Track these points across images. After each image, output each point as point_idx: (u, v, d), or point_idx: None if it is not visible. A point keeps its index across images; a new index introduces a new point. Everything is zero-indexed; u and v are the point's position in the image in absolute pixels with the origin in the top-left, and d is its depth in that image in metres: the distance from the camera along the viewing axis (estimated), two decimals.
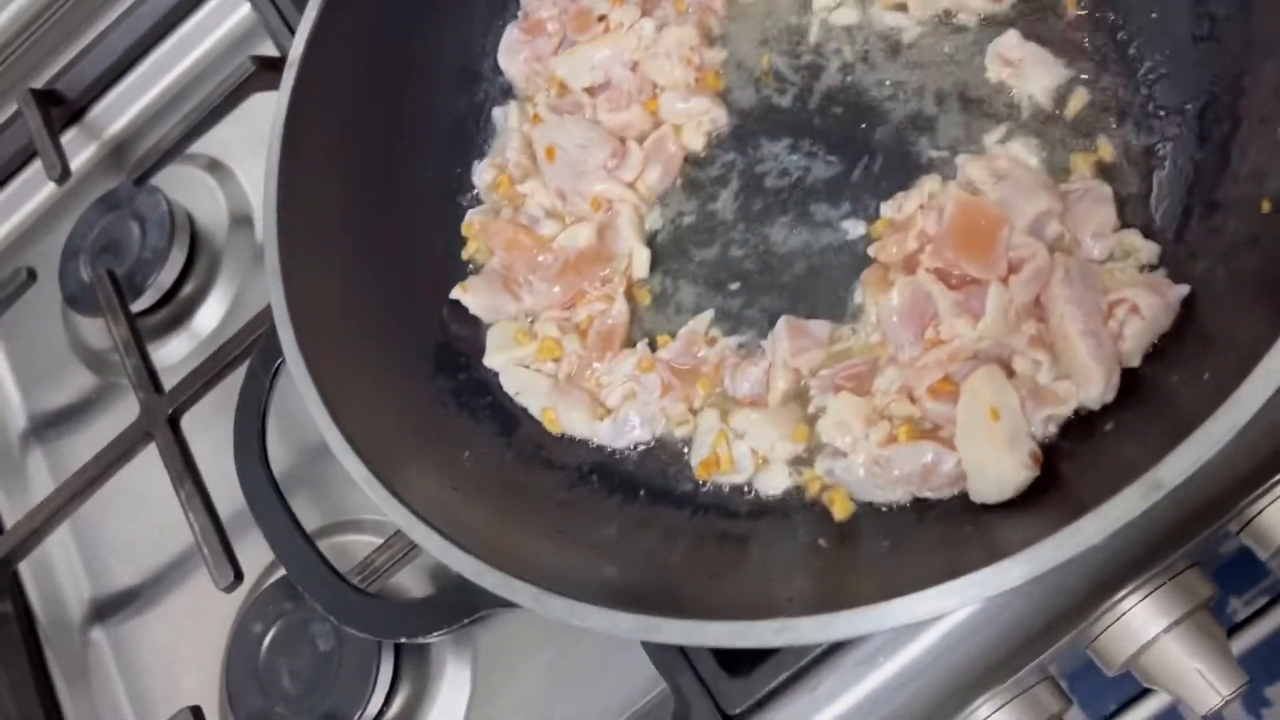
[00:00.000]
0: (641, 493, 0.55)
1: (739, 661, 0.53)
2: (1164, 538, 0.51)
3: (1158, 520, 0.50)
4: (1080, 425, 0.48)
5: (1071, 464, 0.45)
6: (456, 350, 0.63)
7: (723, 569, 0.49)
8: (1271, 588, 1.29)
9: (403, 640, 0.59)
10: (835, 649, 0.52)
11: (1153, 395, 0.45)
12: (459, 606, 0.47)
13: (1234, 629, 0.88)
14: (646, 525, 0.53)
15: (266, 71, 0.80)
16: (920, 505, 0.49)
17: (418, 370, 0.61)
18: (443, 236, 0.67)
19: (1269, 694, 1.29)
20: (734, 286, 0.60)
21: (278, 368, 0.62)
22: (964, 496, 0.48)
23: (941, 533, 0.46)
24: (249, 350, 0.72)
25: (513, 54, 0.70)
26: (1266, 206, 0.44)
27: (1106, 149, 0.54)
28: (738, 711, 0.52)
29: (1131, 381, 0.47)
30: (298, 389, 0.53)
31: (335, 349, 0.56)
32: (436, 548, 0.46)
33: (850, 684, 0.51)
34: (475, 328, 0.64)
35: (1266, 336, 0.37)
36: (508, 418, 0.60)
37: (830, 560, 0.47)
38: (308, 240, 0.59)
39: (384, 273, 0.63)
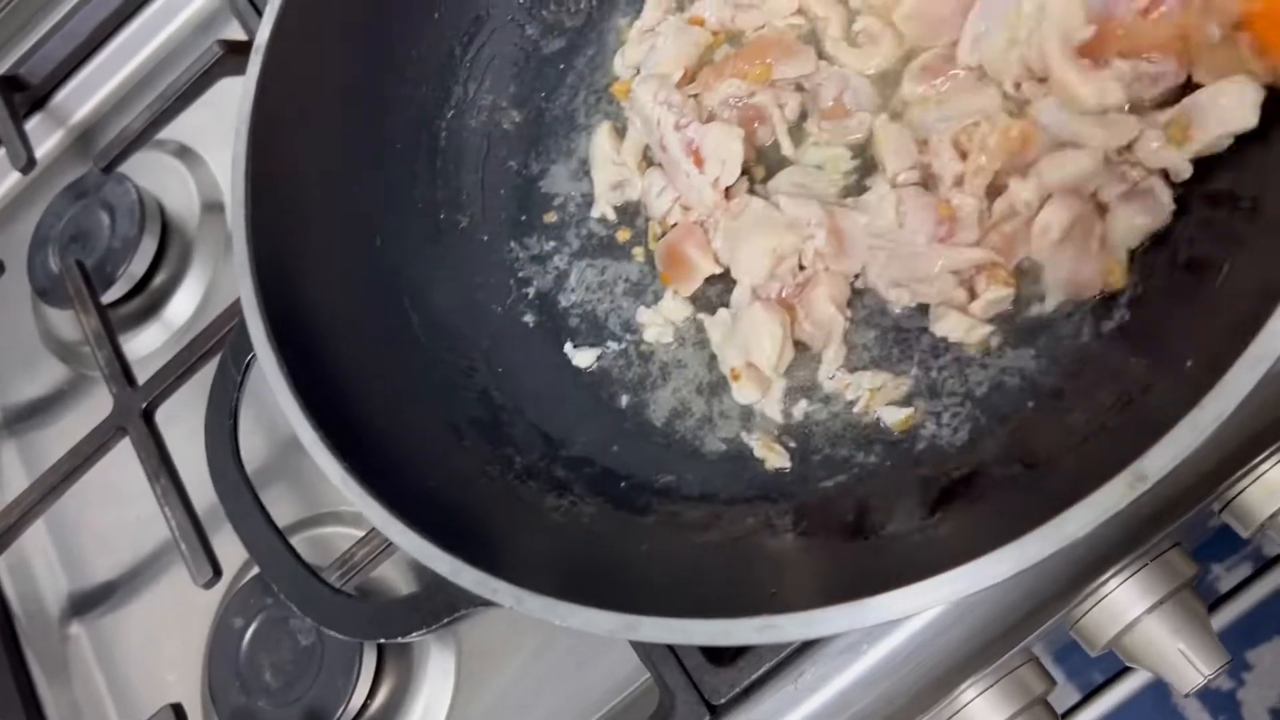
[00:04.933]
0: (623, 485, 0.54)
1: (723, 652, 0.53)
2: (1148, 520, 0.51)
3: (1142, 504, 0.49)
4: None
5: (1056, 452, 0.45)
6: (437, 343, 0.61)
7: (705, 563, 0.48)
8: (1252, 555, 1.30)
9: (380, 641, 0.58)
10: (818, 639, 0.51)
11: (1138, 383, 0.45)
12: (437, 606, 0.46)
13: (1217, 600, 0.89)
14: (631, 520, 0.52)
15: (234, 56, 0.78)
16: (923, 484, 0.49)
17: (397, 361, 0.60)
18: (420, 219, 0.65)
19: (1250, 658, 1.31)
20: None
21: (249, 361, 0.61)
22: (951, 482, 0.47)
23: (926, 525, 0.46)
24: (223, 341, 0.71)
25: None
26: None
27: None
28: (722, 702, 0.52)
29: (1113, 369, 0.47)
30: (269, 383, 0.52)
31: (309, 342, 0.55)
32: (412, 546, 0.45)
33: (834, 673, 0.51)
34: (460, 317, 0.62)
35: (1250, 324, 0.36)
36: (495, 412, 0.59)
37: (813, 553, 0.47)
38: (278, 229, 0.57)
39: (361, 260, 0.62)
